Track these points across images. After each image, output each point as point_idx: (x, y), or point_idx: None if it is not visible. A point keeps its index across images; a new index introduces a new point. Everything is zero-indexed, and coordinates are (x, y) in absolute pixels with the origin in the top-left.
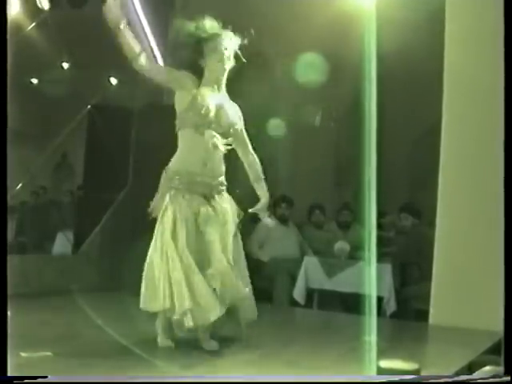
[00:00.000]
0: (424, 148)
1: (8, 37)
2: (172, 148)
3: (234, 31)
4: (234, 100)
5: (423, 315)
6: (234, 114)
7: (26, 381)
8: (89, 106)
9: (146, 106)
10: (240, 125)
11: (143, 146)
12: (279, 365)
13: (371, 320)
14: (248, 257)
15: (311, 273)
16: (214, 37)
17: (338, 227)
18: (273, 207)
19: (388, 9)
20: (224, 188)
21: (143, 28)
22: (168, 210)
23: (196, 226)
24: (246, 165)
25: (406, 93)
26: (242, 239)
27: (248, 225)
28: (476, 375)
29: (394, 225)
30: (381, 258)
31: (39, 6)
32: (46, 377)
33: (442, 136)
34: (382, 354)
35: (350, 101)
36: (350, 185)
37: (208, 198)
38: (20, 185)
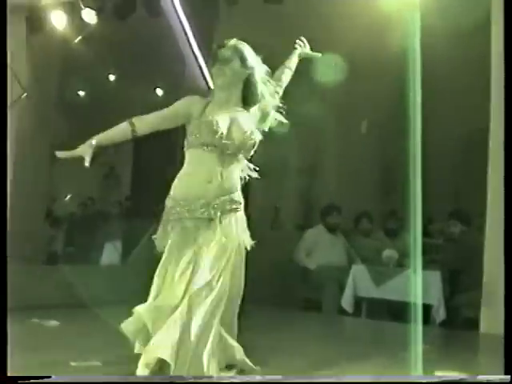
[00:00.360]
0: (472, 153)
1: (55, 51)
2: None
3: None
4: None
5: (473, 323)
6: (249, 126)
7: (25, 381)
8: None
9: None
10: (258, 136)
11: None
12: (328, 373)
13: (418, 328)
14: (295, 265)
15: (359, 281)
16: (216, 52)
17: (385, 235)
18: (321, 216)
19: (432, 13)
20: (236, 207)
21: (188, 39)
22: (169, 243)
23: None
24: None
25: (453, 97)
26: (290, 247)
27: (295, 232)
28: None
29: (443, 232)
30: (429, 265)
31: (85, 19)
32: (41, 377)
33: (490, 141)
34: (431, 362)
35: (396, 107)
36: (397, 192)
37: (212, 220)
38: (68, 196)
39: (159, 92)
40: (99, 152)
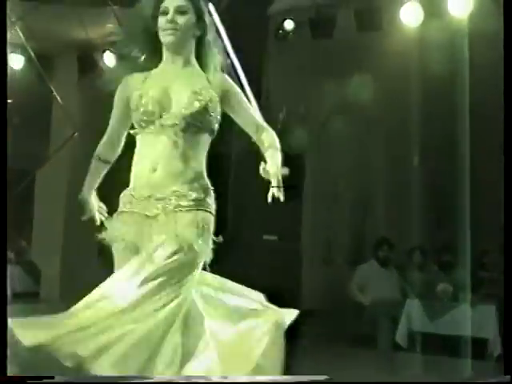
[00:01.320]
0: None
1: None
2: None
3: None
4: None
5: None
6: (194, 87)
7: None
8: None
9: (241, 152)
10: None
11: (240, 192)
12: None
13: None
14: (349, 300)
15: (413, 316)
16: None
17: (439, 268)
18: (373, 250)
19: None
20: (188, 204)
21: (237, 75)
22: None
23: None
24: (251, 134)
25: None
26: (340, 283)
27: (347, 267)
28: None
29: (498, 264)
30: (485, 299)
31: None
32: (41, 378)
33: None
34: None
35: (446, 138)
36: (451, 225)
37: (156, 218)
38: None
39: None
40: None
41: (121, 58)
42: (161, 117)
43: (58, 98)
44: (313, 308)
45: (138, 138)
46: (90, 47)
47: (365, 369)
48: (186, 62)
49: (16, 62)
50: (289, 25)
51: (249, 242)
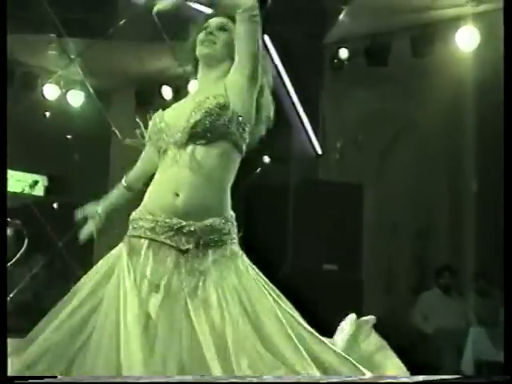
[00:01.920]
0: None
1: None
2: (330, 223)
3: None
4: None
5: None
6: (205, 95)
7: (25, 381)
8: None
9: (300, 183)
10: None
11: (300, 222)
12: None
13: None
14: (412, 329)
15: (479, 344)
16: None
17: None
18: (435, 277)
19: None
20: (228, 237)
21: (294, 106)
22: (115, 272)
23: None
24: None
25: None
26: (403, 311)
27: (409, 296)
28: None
29: None
30: None
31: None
32: (42, 378)
33: None
34: None
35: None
36: None
37: (186, 254)
38: None
39: (266, 159)
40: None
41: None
42: (167, 135)
43: (117, 133)
44: None
45: (158, 164)
46: (148, 81)
47: None
48: (218, 79)
49: (75, 98)
50: (344, 53)
51: (309, 271)
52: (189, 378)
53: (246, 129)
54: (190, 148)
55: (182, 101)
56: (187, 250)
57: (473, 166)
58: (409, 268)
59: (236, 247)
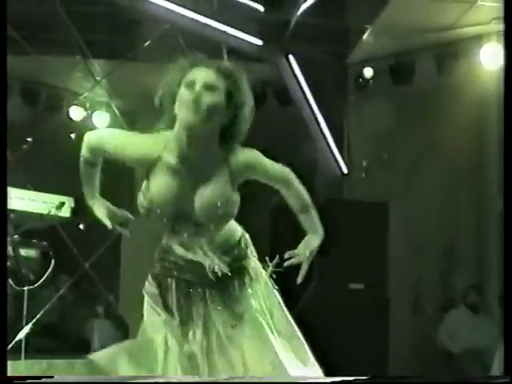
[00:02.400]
0: None
1: None
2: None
3: None
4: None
5: None
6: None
7: (25, 381)
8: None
9: (325, 202)
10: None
11: (326, 241)
12: None
13: None
14: (438, 349)
15: None
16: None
17: None
18: (462, 297)
19: None
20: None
21: (319, 125)
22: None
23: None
24: (295, 210)
25: None
26: (429, 331)
27: (436, 316)
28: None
29: None
30: None
31: None
32: (40, 378)
33: None
34: None
35: None
36: None
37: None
38: None
39: None
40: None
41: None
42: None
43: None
44: (402, 357)
45: None
46: None
47: None
48: (205, 150)
49: (101, 119)
50: (368, 72)
51: (335, 290)
52: (189, 378)
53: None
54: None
55: (169, 168)
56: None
57: (498, 183)
58: (436, 286)
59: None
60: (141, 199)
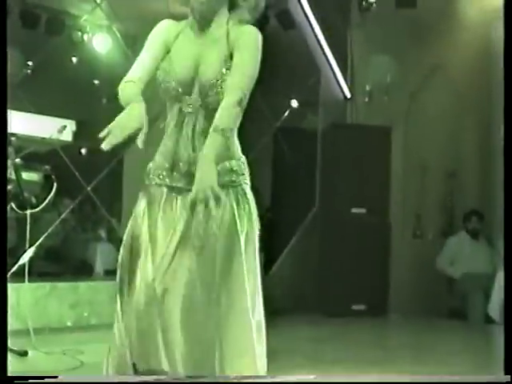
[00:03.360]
0: None
1: None
2: (359, 166)
3: None
4: None
5: None
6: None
7: (25, 381)
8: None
9: (329, 126)
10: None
11: (328, 166)
12: None
13: None
14: (439, 273)
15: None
16: None
17: None
18: (463, 222)
19: None
20: (242, 178)
21: (322, 48)
22: (138, 213)
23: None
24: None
25: None
26: (430, 256)
27: (436, 241)
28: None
29: None
30: None
31: None
32: (42, 377)
33: None
34: None
35: None
36: None
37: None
38: None
39: (294, 103)
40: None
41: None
42: (181, 101)
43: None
44: (403, 282)
45: (167, 108)
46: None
47: (457, 342)
48: (217, 27)
49: (102, 43)
50: None
51: (337, 215)
52: (189, 378)
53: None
54: (204, 111)
55: (186, 45)
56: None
57: (502, 111)
58: (437, 212)
59: (248, 189)
60: (160, 73)
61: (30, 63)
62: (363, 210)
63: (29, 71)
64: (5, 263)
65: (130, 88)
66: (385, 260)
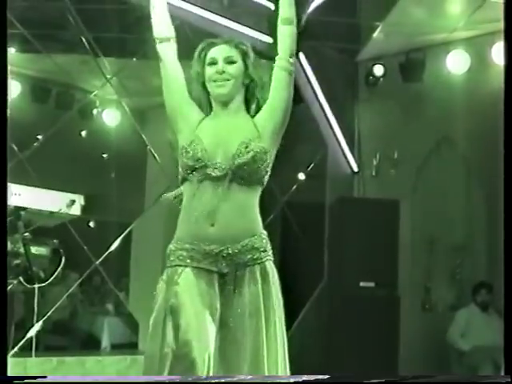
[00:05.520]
0: None
1: None
2: (367, 239)
3: None
4: None
5: None
6: (247, 134)
7: (25, 381)
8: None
9: (336, 200)
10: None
11: (336, 239)
12: None
13: None
14: (449, 347)
15: None
16: (203, 49)
17: None
18: (472, 294)
19: None
20: (265, 254)
21: (329, 123)
22: (159, 299)
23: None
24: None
25: None
26: (440, 329)
27: (446, 314)
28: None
29: None
30: None
31: None
32: (45, 377)
33: None
34: None
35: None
36: None
37: (225, 277)
38: None
39: (301, 176)
40: None
41: None
42: (207, 166)
43: (153, 151)
44: (413, 355)
45: (185, 187)
46: None
47: None
48: (237, 111)
49: (111, 118)
50: (379, 70)
51: (346, 288)
52: (189, 378)
53: (268, 168)
54: (228, 184)
55: (213, 122)
56: (227, 273)
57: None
58: (446, 285)
59: (271, 264)
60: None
61: (39, 137)
62: (372, 284)
63: (38, 145)
64: (5, 263)
65: None
66: (394, 334)
